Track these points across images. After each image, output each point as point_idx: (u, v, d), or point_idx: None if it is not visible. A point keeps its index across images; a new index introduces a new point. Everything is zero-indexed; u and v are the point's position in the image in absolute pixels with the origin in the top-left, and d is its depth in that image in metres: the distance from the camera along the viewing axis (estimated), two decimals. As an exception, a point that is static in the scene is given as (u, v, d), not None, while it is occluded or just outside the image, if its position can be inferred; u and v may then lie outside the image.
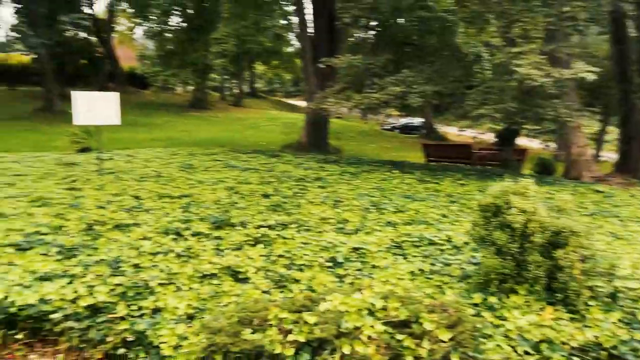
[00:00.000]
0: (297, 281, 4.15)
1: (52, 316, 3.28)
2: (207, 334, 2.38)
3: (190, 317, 3.22)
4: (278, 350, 2.27)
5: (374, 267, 4.69)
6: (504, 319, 3.46)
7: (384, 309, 2.73)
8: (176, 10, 21.28)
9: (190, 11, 22.29)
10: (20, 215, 6.20)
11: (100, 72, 37.53)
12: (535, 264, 3.89)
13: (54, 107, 30.18)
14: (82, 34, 36.43)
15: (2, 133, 24.20)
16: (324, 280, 4.14)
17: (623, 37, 13.91)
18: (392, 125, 40.75)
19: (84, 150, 16.30)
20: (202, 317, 3.16)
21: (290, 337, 2.31)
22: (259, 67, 57.45)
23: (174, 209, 7.29)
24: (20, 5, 30.24)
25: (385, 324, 2.63)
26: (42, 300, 3.39)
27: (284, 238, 5.69)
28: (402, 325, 2.67)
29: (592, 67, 9.44)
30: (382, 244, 5.45)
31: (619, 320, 3.64)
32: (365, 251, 5.07)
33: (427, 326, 2.61)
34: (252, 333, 2.41)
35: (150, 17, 20.33)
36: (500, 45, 10.63)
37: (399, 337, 2.53)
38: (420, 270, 4.61)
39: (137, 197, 8.21)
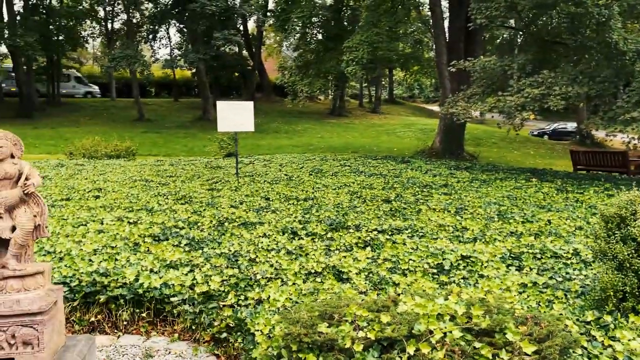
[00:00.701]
0: (396, 284, 4.17)
1: (172, 299, 3.74)
2: (286, 325, 2.56)
3: (287, 310, 3.45)
4: (348, 345, 2.36)
5: (481, 276, 4.52)
6: (617, 339, 3.13)
7: (468, 316, 2.67)
8: (315, 20, 22.31)
9: (327, 21, 23.21)
10: (164, 211, 7.06)
11: (249, 83, 40.72)
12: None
13: (209, 115, 33.47)
14: (235, 49, 39.93)
15: (166, 140, 27.53)
16: (424, 285, 4.11)
17: None
18: (540, 130, 38.01)
19: (230, 155, 17.86)
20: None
21: (361, 334, 2.39)
22: (398, 73, 57.47)
23: (296, 210, 7.70)
24: (182, 25, 34.13)
25: (465, 330, 2.57)
26: (165, 285, 3.89)
27: (395, 242, 5.71)
28: (484, 334, 2.58)
29: None
30: (496, 254, 5.21)
31: None
32: (475, 260, 4.89)
33: (510, 337, 2.49)
34: (328, 327, 2.53)
35: (292, 29, 21.58)
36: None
37: (477, 344, 2.46)
38: (533, 283, 4.33)
39: (266, 199, 8.84)
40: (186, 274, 4.14)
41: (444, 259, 4.90)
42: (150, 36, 36.83)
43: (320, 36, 24.09)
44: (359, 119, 42.86)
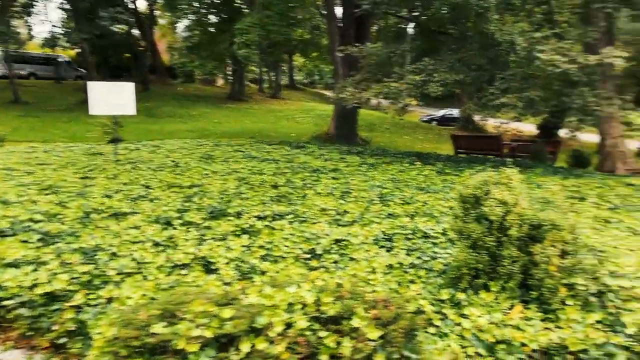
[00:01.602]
0: (264, 273, 4.05)
1: (5, 302, 3.32)
2: (119, 327, 2.32)
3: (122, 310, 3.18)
4: (182, 345, 2.18)
5: (352, 259, 4.54)
6: (466, 316, 3.25)
7: (318, 304, 2.59)
8: (207, 0, 21.46)
9: (222, 2, 22.47)
10: (23, 203, 6.36)
11: (141, 65, 38.50)
12: (510, 259, 3.64)
13: (95, 99, 31.15)
14: (124, 28, 37.48)
15: (46, 125, 25.26)
16: (293, 272, 4.03)
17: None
18: (430, 116, 40.00)
19: (114, 140, 16.73)
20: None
21: (197, 332, 2.22)
22: (299, 59, 57.55)
23: (177, 199, 7.33)
24: (63, 1, 31.37)
25: (314, 319, 2.49)
26: None
27: (273, 229, 5.60)
28: (332, 321, 2.52)
29: (624, 52, 8.83)
30: (370, 236, 5.28)
31: (598, 322, 3.35)
32: (348, 243, 4.92)
33: (356, 323, 2.46)
34: (166, 326, 2.33)
35: (180, 8, 20.56)
36: (525, 30, 10.10)
37: (323, 333, 2.39)
38: (399, 263, 4.42)
39: (147, 187, 8.32)
40: (28, 274, 3.70)
41: (317, 244, 4.87)
42: (25, 10, 33.38)
43: (213, 17, 23.30)
44: (258, 104, 42.35)
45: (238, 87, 39.94)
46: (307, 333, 2.38)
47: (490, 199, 3.91)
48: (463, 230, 3.95)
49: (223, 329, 2.23)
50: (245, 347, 2.13)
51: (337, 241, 4.95)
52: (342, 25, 18.25)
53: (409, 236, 5.53)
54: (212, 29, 21.52)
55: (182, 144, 16.17)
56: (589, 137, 29.58)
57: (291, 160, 12.46)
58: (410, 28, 17.55)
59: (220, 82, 46.42)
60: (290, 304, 2.58)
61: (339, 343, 2.35)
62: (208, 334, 2.21)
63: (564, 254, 3.65)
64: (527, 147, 15.63)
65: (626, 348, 3.19)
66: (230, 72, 35.96)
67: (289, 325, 2.36)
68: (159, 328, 2.29)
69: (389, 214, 6.76)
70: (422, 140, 29.24)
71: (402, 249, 5.05)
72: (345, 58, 15.64)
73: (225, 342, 2.25)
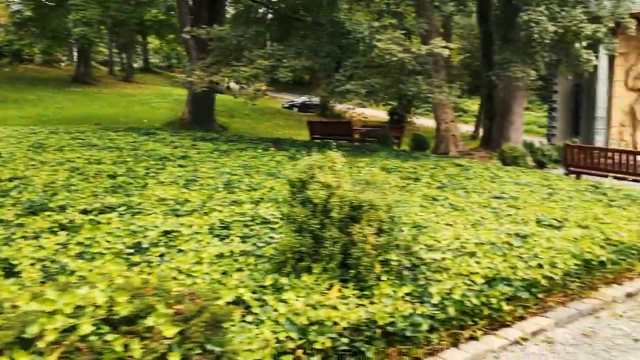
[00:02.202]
0: (72, 273, 3.66)
1: None
2: None
3: None
4: None
5: (180, 251, 4.31)
6: (285, 301, 3.23)
7: (111, 304, 2.36)
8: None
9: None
10: None
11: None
12: (331, 240, 3.72)
13: None
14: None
15: None
16: (109, 270, 3.70)
17: (487, 17, 14.48)
18: (291, 103, 40.49)
19: None
20: None
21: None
22: (154, 41, 54.40)
23: (-10, 194, 6.42)
24: None
25: (104, 321, 2.26)
26: None
27: (99, 223, 5.14)
28: (126, 322, 2.31)
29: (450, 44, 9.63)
30: (205, 225, 5.08)
31: (408, 294, 3.57)
32: (179, 234, 4.68)
33: (151, 321, 2.27)
34: None
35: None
36: (368, 20, 10.55)
37: (109, 337, 2.17)
38: (231, 252, 4.30)
39: (-46, 181, 7.18)
40: None
41: (145, 237, 4.56)
42: None
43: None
44: (108, 87, 39.28)
45: (84, 69, 36.61)
46: (92, 338, 2.14)
47: (315, 183, 3.95)
48: (289, 214, 3.94)
49: (-20, 344, 1.91)
50: (0, 364, 1.84)
51: (166, 233, 4.68)
52: (194, 6, 17.52)
53: (248, 223, 5.44)
54: (46, 2, 19.29)
55: (12, 132, 14.35)
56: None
57: (137, 148, 11.68)
58: (269, 13, 17.47)
59: (63, 64, 42.17)
60: (80, 307, 2.31)
61: (127, 345, 2.15)
62: (-42, 352, 1.87)
63: (380, 232, 3.82)
64: (375, 132, 16.51)
65: (431, 317, 3.43)
66: (74, 53, 32.74)
67: (67, 331, 2.10)
68: None
69: (233, 201, 6.62)
70: (283, 127, 29.49)
71: (238, 236, 4.94)
72: (198, 41, 15.05)
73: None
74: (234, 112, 33.56)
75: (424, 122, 32.09)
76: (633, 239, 5.65)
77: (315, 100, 39.38)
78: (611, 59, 15.22)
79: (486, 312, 3.76)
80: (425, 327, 3.29)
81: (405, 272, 3.89)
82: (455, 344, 3.55)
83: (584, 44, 12.43)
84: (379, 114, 35.91)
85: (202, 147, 12.21)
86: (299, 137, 20.54)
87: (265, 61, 10.94)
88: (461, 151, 13.96)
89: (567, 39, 11.85)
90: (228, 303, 3.21)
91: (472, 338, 3.66)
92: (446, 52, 9.63)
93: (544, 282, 4.29)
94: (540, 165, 13.12)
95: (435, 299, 3.55)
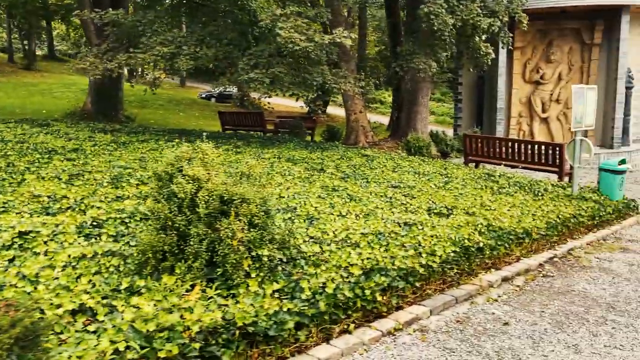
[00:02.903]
0: None
1: None
2: None
3: None
4: None
5: (36, 254, 3.90)
6: (137, 307, 2.97)
7: None
8: None
9: None
10: None
11: None
12: (198, 237, 3.49)
13: None
14: None
15: None
16: (-61, 278, 3.24)
17: (395, 9, 14.70)
18: (208, 93, 39.38)
19: None
20: None
21: None
22: (61, 27, 50.82)
23: None
24: None
25: None
26: None
27: (-51, 225, 4.56)
28: None
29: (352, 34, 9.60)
30: (72, 224, 4.66)
31: (278, 291, 3.43)
32: (36, 235, 4.24)
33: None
34: None
35: None
36: (270, 8, 10.29)
37: None
38: (94, 253, 3.95)
39: None
40: None
41: (-4, 239, 4.08)
42: None
43: None
44: (7, 76, 36.26)
45: (-23, 56, 33.45)
46: None
47: (182, 176, 3.70)
48: (153, 211, 3.66)
49: None
50: None
51: (22, 234, 4.22)
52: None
53: (126, 220, 5.07)
54: None
55: None
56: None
57: (25, 141, 10.74)
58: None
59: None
60: None
61: None
62: None
63: (251, 227, 3.64)
64: (285, 124, 16.36)
65: (299, 313, 3.31)
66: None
67: None
68: None
69: (118, 197, 6.18)
70: (198, 117, 28.60)
71: (111, 235, 4.57)
72: (99, 27, 14.08)
73: None
74: (146, 103, 32.09)
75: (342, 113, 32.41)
76: (513, 224, 5.89)
77: (234, 90, 38.60)
78: (510, 53, 16.02)
79: (360, 304, 3.70)
80: (291, 324, 3.16)
81: (281, 268, 3.75)
82: (327, 339, 3.46)
83: (484, 37, 12.94)
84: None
85: (99, 139, 11.46)
86: (213, 128, 19.94)
87: (165, 48, 10.39)
88: (371, 142, 14.13)
89: (467, 32, 12.26)
90: (72, 311, 2.90)
91: (346, 332, 3.58)
92: (348, 42, 9.61)
93: (421, 270, 4.31)
94: (444, 155, 13.59)
95: (306, 294, 3.44)
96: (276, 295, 3.38)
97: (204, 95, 39.06)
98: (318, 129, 17.55)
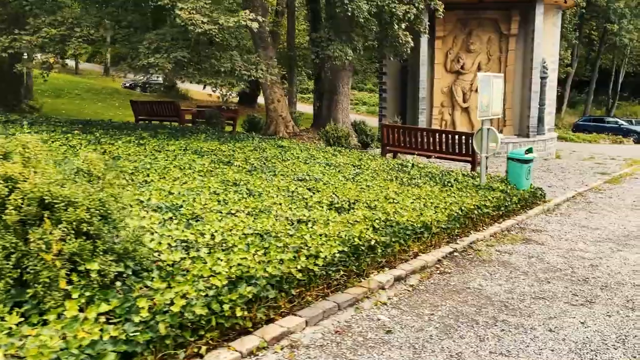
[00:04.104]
0: None
1: None
2: None
3: None
4: None
5: None
6: None
7: None
8: None
9: None
10: None
11: None
12: (4, 251, 2.83)
13: None
14: None
15: None
16: None
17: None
18: (132, 82, 37.42)
19: None
20: None
21: None
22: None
23: None
24: None
25: None
26: None
27: None
28: None
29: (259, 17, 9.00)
30: None
31: (105, 313, 2.84)
32: None
33: None
34: None
35: None
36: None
37: None
38: None
39: None
40: None
41: None
42: None
43: None
44: None
45: None
46: None
47: (-8, 175, 3.02)
48: (-46, 219, 2.96)
49: None
50: None
51: None
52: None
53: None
54: None
55: None
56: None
57: None
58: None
59: None
60: None
61: None
62: None
63: (80, 236, 3.02)
64: (201, 114, 15.58)
65: (128, 341, 2.74)
66: None
67: None
68: None
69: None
70: (117, 107, 26.97)
71: None
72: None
73: None
74: (61, 92, 30.02)
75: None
76: (412, 218, 5.57)
77: (159, 79, 36.91)
78: (432, 42, 15.97)
79: (216, 321, 3.18)
80: (112, 357, 2.59)
81: (120, 283, 3.16)
82: (169, 367, 2.92)
83: (403, 26, 12.71)
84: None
85: (-19, 132, 10.24)
86: (131, 118, 18.77)
87: (54, 30, 9.36)
88: (291, 132, 13.62)
89: (384, 19, 11.96)
90: None
91: (196, 356, 3.06)
92: (255, 25, 9.01)
93: (299, 276, 3.85)
94: (365, 145, 13.31)
95: (143, 316, 2.87)
96: (102, 319, 2.79)
97: (127, 84, 37.08)
98: (240, 120, 16.85)
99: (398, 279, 4.70)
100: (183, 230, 4.60)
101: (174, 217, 5.20)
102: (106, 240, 3.17)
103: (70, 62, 44.33)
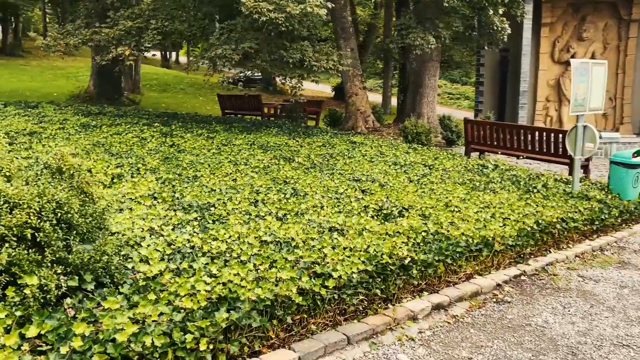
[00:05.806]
0: None
1: None
2: None
3: None
4: None
5: None
6: None
7: None
8: None
9: None
10: None
11: None
12: None
13: None
14: None
15: None
16: None
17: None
18: (234, 77, 38.71)
19: None
20: None
21: None
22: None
23: None
24: None
25: None
26: None
27: None
28: None
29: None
30: None
31: (36, 338, 2.40)
32: None
33: None
34: None
35: None
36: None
37: None
38: None
39: None
40: None
41: None
42: None
43: None
44: (38, 59, 36.79)
45: (13, 40, 34.02)
46: None
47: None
48: None
49: None
50: None
51: None
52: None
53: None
54: None
55: None
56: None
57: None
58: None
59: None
60: None
61: None
62: None
63: (22, 243, 2.63)
64: (283, 108, 15.35)
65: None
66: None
67: None
68: None
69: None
70: (215, 102, 27.90)
71: None
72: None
73: None
74: (167, 87, 31.74)
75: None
76: (471, 231, 4.63)
77: (260, 74, 37.72)
78: (537, 30, 14.30)
79: (177, 354, 2.63)
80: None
81: (70, 301, 2.72)
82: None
83: (501, 11, 11.40)
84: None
85: (70, 122, 10.76)
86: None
87: (131, 22, 9.49)
88: (371, 127, 12.84)
89: (477, 3, 10.76)
90: None
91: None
92: (322, 12, 8.40)
93: (299, 300, 3.19)
94: (450, 142, 12.16)
95: (75, 346, 2.40)
96: (26, 347, 2.36)
97: (230, 80, 38.36)
98: (324, 114, 16.38)
99: (437, 307, 3.85)
100: (192, 235, 4.15)
101: (199, 217, 4.79)
102: (58, 249, 2.75)
103: (182, 59, 46.94)
